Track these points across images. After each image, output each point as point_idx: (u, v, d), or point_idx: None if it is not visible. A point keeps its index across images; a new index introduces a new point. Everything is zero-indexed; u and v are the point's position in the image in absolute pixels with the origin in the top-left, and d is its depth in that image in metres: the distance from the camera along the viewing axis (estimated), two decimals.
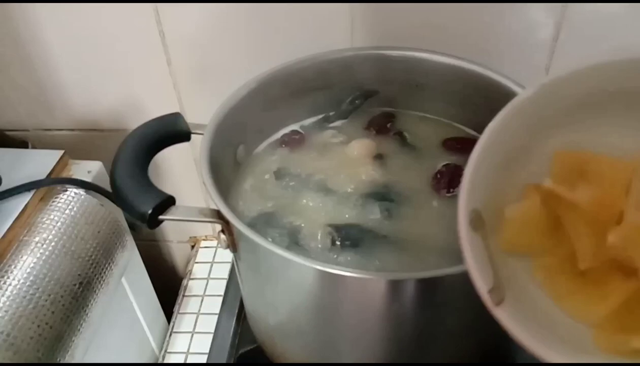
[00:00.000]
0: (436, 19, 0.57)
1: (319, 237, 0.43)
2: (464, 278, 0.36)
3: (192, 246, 0.82)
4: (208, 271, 0.78)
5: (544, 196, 0.31)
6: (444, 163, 0.49)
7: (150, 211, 0.38)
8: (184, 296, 0.75)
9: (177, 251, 0.84)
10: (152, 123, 0.44)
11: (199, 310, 0.73)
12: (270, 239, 0.37)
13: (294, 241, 0.43)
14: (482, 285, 0.29)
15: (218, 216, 0.39)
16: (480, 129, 0.51)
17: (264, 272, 0.41)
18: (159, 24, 0.60)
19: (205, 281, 0.77)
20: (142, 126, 0.44)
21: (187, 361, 0.67)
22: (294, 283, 0.39)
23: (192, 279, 0.77)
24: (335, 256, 0.42)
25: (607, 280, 0.29)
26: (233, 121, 0.46)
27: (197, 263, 0.79)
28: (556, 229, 0.31)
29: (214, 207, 0.39)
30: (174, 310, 0.73)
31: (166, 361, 0.67)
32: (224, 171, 0.46)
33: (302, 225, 0.44)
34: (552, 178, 0.30)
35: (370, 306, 0.39)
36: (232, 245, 0.41)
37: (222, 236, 0.40)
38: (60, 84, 0.66)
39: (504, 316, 0.28)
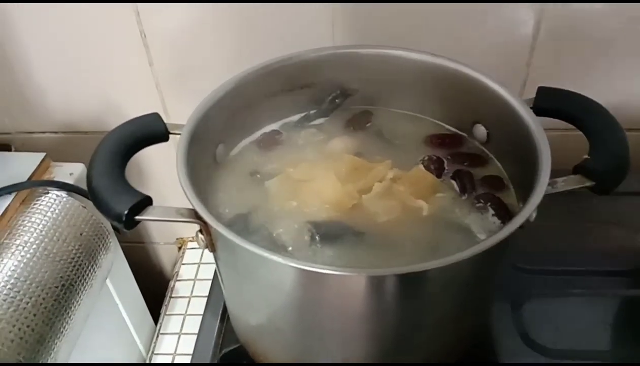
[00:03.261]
0: (416, 18, 0.57)
1: (298, 234, 0.43)
2: (444, 272, 0.37)
3: (179, 248, 0.82)
4: (195, 272, 0.78)
5: None
6: (426, 156, 0.49)
7: (126, 212, 0.38)
8: (170, 297, 0.75)
9: (163, 253, 0.84)
10: (129, 124, 0.44)
11: (186, 311, 0.73)
12: (247, 239, 0.37)
13: (273, 240, 0.43)
14: None
15: (195, 216, 0.38)
16: (459, 125, 0.52)
17: (242, 271, 0.41)
18: (140, 24, 0.60)
19: (192, 282, 0.76)
20: (120, 126, 0.44)
21: (175, 362, 0.67)
22: (272, 281, 0.39)
23: (179, 280, 0.77)
24: (314, 253, 0.42)
25: None
26: (212, 121, 0.46)
27: (184, 264, 0.79)
28: None
29: (192, 207, 0.39)
30: (160, 311, 0.73)
31: (153, 362, 0.67)
32: (203, 170, 0.46)
33: (282, 223, 0.44)
34: None
35: (351, 304, 0.39)
36: (211, 245, 0.41)
37: (200, 236, 0.40)
38: (40, 86, 0.65)
39: None
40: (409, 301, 0.39)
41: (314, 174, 0.47)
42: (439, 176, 0.48)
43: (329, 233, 0.43)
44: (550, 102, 0.45)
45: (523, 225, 0.39)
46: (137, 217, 0.38)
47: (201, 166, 0.45)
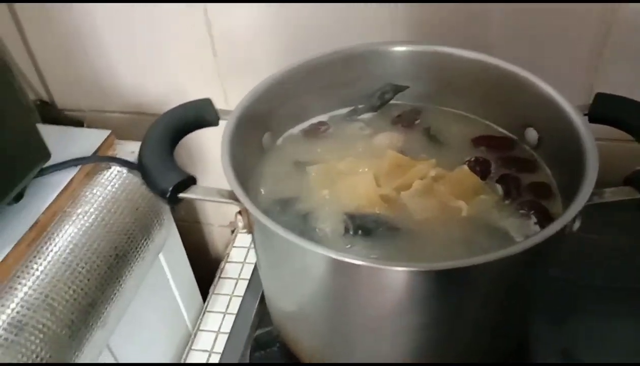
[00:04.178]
0: (480, 16, 0.56)
1: (333, 224, 0.44)
2: (475, 272, 0.36)
3: (232, 231, 0.85)
4: (244, 255, 0.80)
5: None
6: (473, 157, 0.48)
7: (170, 188, 0.40)
8: (220, 277, 0.77)
9: (217, 234, 0.87)
10: (182, 107, 0.46)
11: (233, 292, 0.75)
12: (282, 224, 0.38)
13: (309, 227, 0.44)
14: None
15: (234, 197, 0.40)
16: (510, 127, 0.51)
17: (275, 255, 0.42)
18: (206, 15, 0.63)
19: (241, 265, 0.79)
20: (173, 109, 0.46)
21: (217, 339, 0.69)
22: (302, 268, 0.40)
23: (229, 262, 0.79)
24: (347, 243, 0.42)
25: None
26: (260, 109, 0.47)
27: (234, 247, 0.82)
28: None
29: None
30: (209, 289, 0.76)
31: (197, 338, 0.70)
32: (249, 156, 0.47)
33: (319, 212, 0.45)
34: None
35: (380, 297, 0.39)
36: (248, 227, 0.42)
37: (239, 217, 0.42)
38: (113, 70, 0.70)
39: None
40: (441, 300, 0.38)
41: (355, 169, 0.47)
42: (483, 178, 0.47)
43: (363, 226, 0.43)
44: (607, 109, 0.43)
45: (564, 232, 0.38)
46: (180, 195, 0.40)
47: (248, 151, 0.47)
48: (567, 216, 0.36)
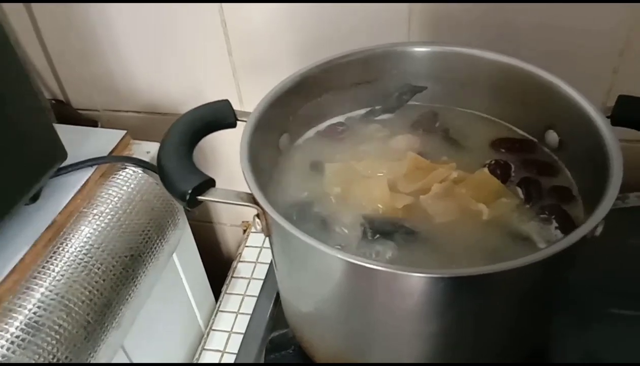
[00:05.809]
0: (499, 17, 0.56)
1: (351, 227, 0.43)
2: (497, 279, 0.36)
3: (244, 231, 0.85)
4: (257, 255, 0.80)
5: None
6: (493, 160, 0.48)
7: (190, 191, 0.39)
8: (232, 277, 0.77)
9: (229, 234, 0.87)
10: (200, 108, 0.46)
11: (245, 292, 0.75)
12: (301, 227, 0.37)
13: (327, 229, 0.44)
14: None
15: (253, 200, 0.40)
16: (530, 130, 0.50)
17: (293, 257, 0.42)
18: (222, 13, 0.63)
19: (254, 264, 0.79)
20: (191, 111, 0.46)
21: (229, 339, 0.69)
22: (319, 270, 0.39)
23: (242, 262, 0.79)
24: (365, 247, 0.42)
25: None
26: (278, 110, 0.47)
27: (247, 246, 0.82)
28: None
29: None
30: (222, 289, 0.76)
31: (209, 338, 0.70)
32: (266, 158, 0.47)
33: (337, 215, 0.45)
34: None
35: (396, 301, 0.39)
36: (266, 229, 0.42)
37: (257, 220, 0.42)
38: (128, 70, 0.70)
39: None
40: (459, 306, 0.38)
41: (373, 170, 0.47)
42: (504, 181, 0.46)
43: (381, 229, 0.43)
44: (630, 112, 0.43)
45: (587, 238, 0.37)
46: (199, 197, 0.40)
47: (266, 153, 0.47)
48: (592, 222, 0.35)
